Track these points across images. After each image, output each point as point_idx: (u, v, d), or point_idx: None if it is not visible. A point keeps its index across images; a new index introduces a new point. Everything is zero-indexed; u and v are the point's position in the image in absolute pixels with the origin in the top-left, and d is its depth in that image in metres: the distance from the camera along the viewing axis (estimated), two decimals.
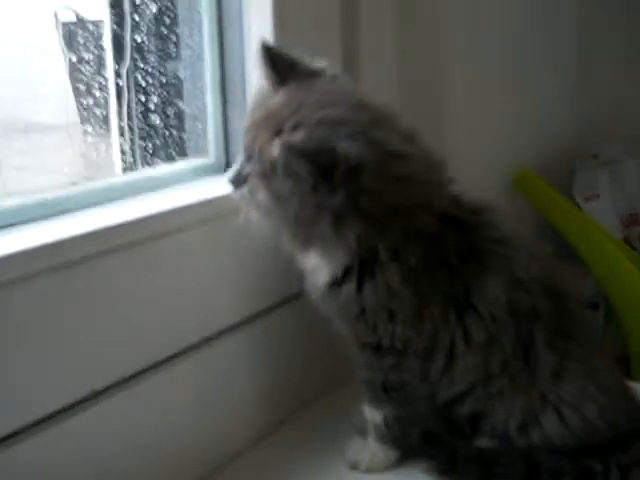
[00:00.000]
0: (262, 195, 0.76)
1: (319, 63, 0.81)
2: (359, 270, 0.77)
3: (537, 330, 0.80)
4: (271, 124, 0.75)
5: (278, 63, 0.79)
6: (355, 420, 0.88)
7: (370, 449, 0.86)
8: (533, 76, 1.45)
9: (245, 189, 0.78)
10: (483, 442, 0.83)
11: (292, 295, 0.95)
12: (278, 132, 0.74)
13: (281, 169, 0.72)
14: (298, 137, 0.72)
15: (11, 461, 0.69)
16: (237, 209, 0.80)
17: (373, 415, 0.85)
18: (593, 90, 1.62)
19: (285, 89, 0.78)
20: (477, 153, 1.26)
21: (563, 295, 0.82)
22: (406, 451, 0.86)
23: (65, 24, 1.02)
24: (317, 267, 0.80)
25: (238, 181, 0.79)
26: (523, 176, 1.42)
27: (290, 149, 0.71)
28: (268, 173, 0.74)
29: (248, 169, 0.78)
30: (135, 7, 0.94)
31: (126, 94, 0.96)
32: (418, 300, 0.78)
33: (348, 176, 0.71)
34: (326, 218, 0.74)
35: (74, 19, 1.02)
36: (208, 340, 0.87)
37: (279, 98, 0.77)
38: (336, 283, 0.79)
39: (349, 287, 0.78)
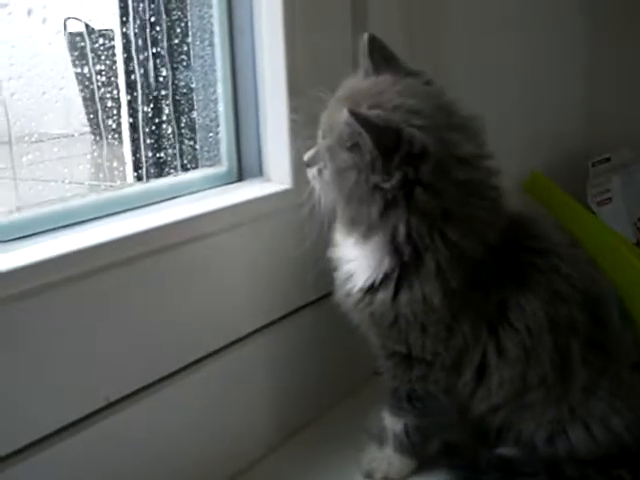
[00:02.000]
0: (327, 170, 0.77)
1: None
2: (398, 278, 0.77)
3: (574, 343, 0.79)
4: (350, 101, 0.76)
5: (377, 54, 0.80)
6: (372, 428, 0.88)
7: (387, 458, 0.86)
8: (545, 79, 1.44)
9: (315, 168, 0.80)
10: (506, 450, 0.82)
11: (308, 303, 0.95)
12: (355, 107, 0.74)
13: (345, 136, 0.73)
14: (370, 112, 0.73)
15: (28, 474, 0.69)
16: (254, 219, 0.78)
17: (393, 424, 0.85)
18: (605, 93, 1.61)
19: (376, 77, 0.79)
20: None
21: (602, 304, 0.82)
22: (423, 461, 0.85)
23: (75, 34, 1.02)
24: (353, 273, 0.80)
25: (311, 161, 0.81)
26: (535, 180, 1.40)
27: (357, 117, 0.71)
28: (335, 146, 0.75)
29: (321, 145, 0.79)
30: (146, 17, 0.94)
31: (138, 104, 0.96)
32: (451, 316, 0.77)
33: (408, 161, 0.71)
34: (378, 201, 0.74)
35: (84, 29, 1.02)
36: (223, 349, 0.87)
37: (368, 83, 0.78)
38: (373, 289, 0.78)
39: (385, 294, 0.78)
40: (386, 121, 0.72)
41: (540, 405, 0.80)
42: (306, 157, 0.82)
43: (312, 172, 0.81)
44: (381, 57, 0.80)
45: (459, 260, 0.75)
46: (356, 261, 0.80)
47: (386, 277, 0.78)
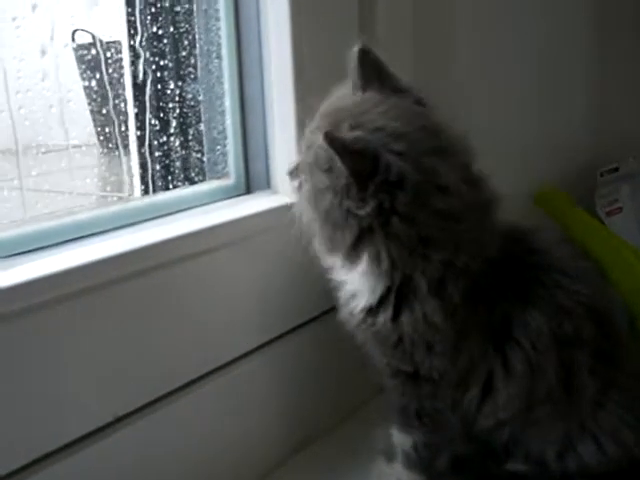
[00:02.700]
0: (306, 186, 0.76)
1: (409, 84, 0.79)
2: (396, 299, 0.75)
3: (580, 357, 0.78)
4: (332, 119, 0.74)
5: (368, 68, 0.77)
6: (380, 445, 0.87)
7: (396, 474, 0.85)
8: (553, 91, 1.44)
9: (297, 181, 0.79)
10: (516, 466, 0.81)
11: (319, 314, 0.94)
12: (335, 127, 0.73)
13: (321, 159, 0.72)
14: (348, 135, 0.71)
15: None
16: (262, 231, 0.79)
17: (402, 440, 0.84)
18: (613, 103, 1.61)
19: (362, 95, 0.77)
20: (498, 169, 1.25)
21: (608, 318, 0.80)
22: (433, 477, 0.84)
23: (82, 46, 1.03)
24: (354, 294, 0.79)
25: (293, 173, 0.80)
26: (545, 193, 1.40)
27: (331, 142, 0.69)
28: (313, 165, 0.73)
29: (302, 160, 0.77)
30: (153, 29, 0.94)
31: (146, 116, 0.96)
32: (456, 333, 0.76)
33: (384, 189, 0.70)
34: (353, 227, 0.72)
35: (91, 41, 1.02)
36: (231, 363, 0.87)
37: (352, 99, 0.76)
38: (372, 310, 0.77)
39: (385, 315, 0.76)
40: (363, 145, 0.70)
41: (548, 420, 0.79)
42: (288, 168, 0.81)
43: (294, 184, 0.80)
44: (371, 71, 0.77)
45: (454, 276, 0.74)
46: (352, 284, 0.79)
47: (383, 299, 0.76)
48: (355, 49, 0.78)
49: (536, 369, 0.77)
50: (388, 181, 0.69)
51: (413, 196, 0.70)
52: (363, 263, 0.75)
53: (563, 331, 0.77)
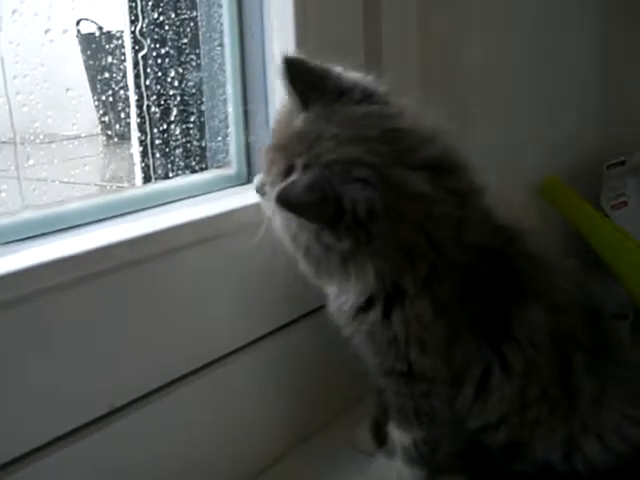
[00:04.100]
0: (277, 220, 0.73)
1: (351, 75, 0.75)
2: (385, 299, 0.74)
3: (576, 354, 0.77)
4: (285, 157, 0.72)
5: (302, 80, 0.73)
6: (361, 444, 0.90)
7: (396, 469, 0.84)
8: (559, 82, 1.43)
9: (267, 203, 0.76)
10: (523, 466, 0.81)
11: (313, 309, 0.94)
12: (290, 168, 0.71)
13: (284, 215, 0.70)
14: (302, 183, 0.67)
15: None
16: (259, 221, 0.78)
17: (401, 437, 0.83)
18: (620, 96, 1.60)
19: (307, 115, 0.72)
20: (503, 161, 1.25)
21: (599, 315, 0.80)
22: (433, 472, 0.84)
23: (86, 35, 1.02)
24: (341, 292, 0.78)
25: (261, 190, 0.78)
26: (550, 184, 1.39)
27: (288, 206, 0.67)
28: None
29: (267, 189, 0.75)
30: (155, 17, 0.93)
31: (147, 105, 0.95)
32: (448, 331, 0.75)
33: (355, 226, 0.68)
34: (335, 258, 0.71)
35: (95, 30, 1.02)
36: (228, 355, 0.86)
37: (299, 125, 0.72)
38: (361, 309, 0.76)
39: (375, 313, 0.75)
40: (322, 191, 0.67)
41: (548, 421, 0.78)
42: (255, 185, 0.79)
43: (265, 205, 0.77)
44: (306, 83, 0.73)
45: (442, 275, 0.72)
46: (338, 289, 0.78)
47: (371, 300, 0.75)
48: (279, 62, 0.74)
49: (533, 367, 0.76)
50: (358, 219, 0.68)
51: (387, 218, 0.68)
52: (352, 279, 0.74)
53: (559, 329, 0.76)
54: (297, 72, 0.73)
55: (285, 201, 0.67)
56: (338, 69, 0.75)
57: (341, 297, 0.78)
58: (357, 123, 0.71)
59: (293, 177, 0.69)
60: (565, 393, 0.78)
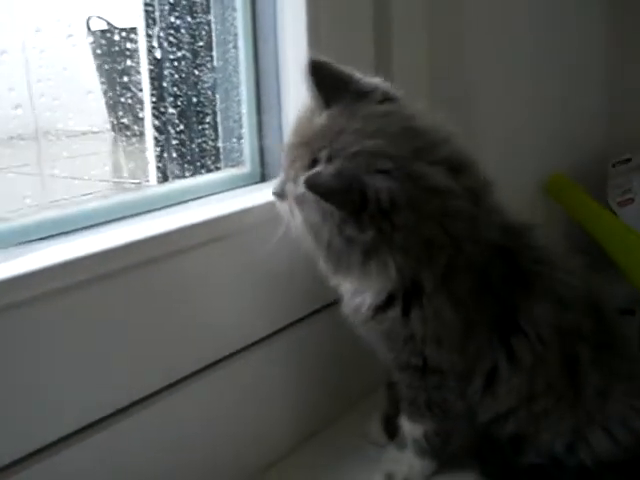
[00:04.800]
0: (298, 218, 0.74)
1: (371, 80, 0.77)
2: (404, 298, 0.76)
3: (582, 348, 0.79)
4: (308, 151, 0.73)
5: (326, 81, 0.75)
6: (372, 436, 0.91)
7: (408, 461, 0.86)
8: (565, 81, 1.44)
9: (285, 203, 0.77)
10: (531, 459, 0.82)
11: (326, 305, 0.95)
12: (314, 161, 0.72)
13: (309, 197, 0.71)
14: (328, 172, 0.69)
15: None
16: (277, 218, 0.79)
17: (413, 430, 0.85)
18: (626, 93, 1.60)
19: (329, 112, 0.75)
20: (510, 158, 1.26)
21: (604, 311, 0.82)
22: (443, 463, 0.86)
23: (98, 32, 1.03)
24: (358, 291, 0.79)
25: (281, 195, 0.78)
26: (556, 181, 1.40)
27: (314, 188, 0.69)
28: (302, 200, 0.73)
29: (287, 189, 0.76)
30: (171, 19, 0.94)
31: (162, 105, 0.96)
32: (464, 326, 0.76)
33: (379, 216, 0.69)
34: (357, 252, 0.72)
35: (107, 27, 1.03)
36: (239, 352, 0.87)
37: (321, 121, 0.74)
38: (380, 308, 0.77)
39: (394, 312, 0.76)
40: (347, 181, 0.69)
41: (554, 413, 0.80)
42: (274, 189, 0.79)
43: (284, 207, 0.77)
44: (328, 83, 0.75)
45: (459, 270, 0.74)
46: (357, 286, 0.79)
47: (390, 299, 0.76)
48: (305, 64, 0.76)
49: (540, 360, 0.78)
50: (381, 208, 0.69)
51: (409, 210, 0.70)
52: (373, 275, 0.75)
53: (566, 323, 0.78)
54: (322, 74, 0.76)
55: (315, 186, 0.69)
56: (359, 74, 0.77)
57: (357, 297, 0.79)
58: (379, 120, 0.73)
59: (318, 168, 0.71)
60: (571, 386, 0.79)
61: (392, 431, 0.90)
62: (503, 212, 0.79)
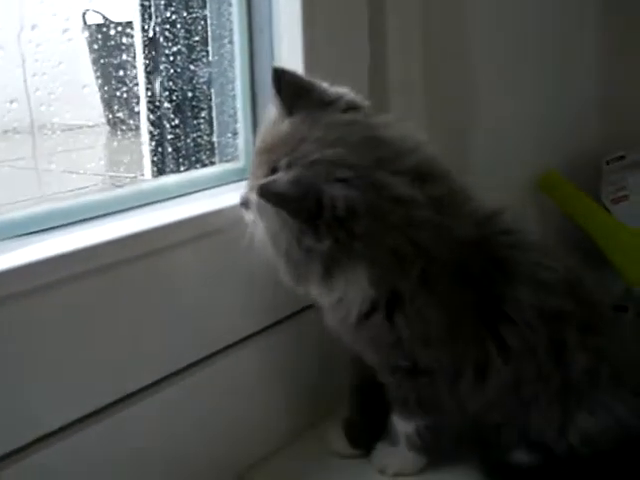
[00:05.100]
0: (260, 226, 0.74)
1: (337, 89, 0.78)
2: (386, 304, 0.75)
3: (568, 332, 0.78)
4: (269, 159, 0.74)
5: (288, 89, 0.76)
6: (333, 445, 0.90)
7: (400, 454, 0.86)
8: (558, 76, 1.44)
9: (250, 214, 0.77)
10: (521, 457, 0.82)
11: (310, 305, 0.95)
12: (274, 170, 0.72)
13: (268, 212, 0.71)
14: (284, 179, 0.69)
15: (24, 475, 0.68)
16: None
17: (404, 426, 0.85)
18: (620, 90, 1.61)
19: (292, 120, 0.75)
20: (503, 154, 1.26)
21: (588, 294, 0.81)
22: (436, 456, 0.86)
23: (94, 26, 1.03)
24: (337, 305, 0.77)
25: (245, 204, 0.78)
26: (549, 177, 1.41)
27: (267, 197, 0.69)
28: (262, 208, 0.73)
29: (250, 198, 0.76)
30: (166, 13, 0.95)
31: (156, 98, 0.97)
32: (450, 322, 0.76)
33: (335, 224, 0.69)
34: (316, 262, 0.72)
35: (103, 22, 1.03)
36: (230, 347, 0.87)
37: (284, 129, 0.75)
38: (364, 315, 0.76)
39: (378, 319, 0.76)
40: (304, 188, 0.68)
41: (542, 399, 0.80)
42: (240, 198, 0.79)
43: (249, 216, 0.77)
44: (293, 92, 0.76)
45: (435, 270, 0.74)
46: (337, 298, 0.77)
47: (374, 304, 0.75)
48: (271, 71, 0.76)
49: (530, 345, 0.78)
50: (337, 217, 0.69)
51: (368, 219, 0.70)
52: (340, 287, 0.75)
53: (549, 307, 0.78)
54: (285, 82, 0.76)
55: (267, 193, 0.69)
56: (324, 84, 0.78)
57: (340, 310, 0.78)
58: (341, 128, 0.74)
59: (277, 175, 0.71)
60: (558, 370, 0.79)
61: (357, 438, 0.89)
62: (479, 209, 0.79)
